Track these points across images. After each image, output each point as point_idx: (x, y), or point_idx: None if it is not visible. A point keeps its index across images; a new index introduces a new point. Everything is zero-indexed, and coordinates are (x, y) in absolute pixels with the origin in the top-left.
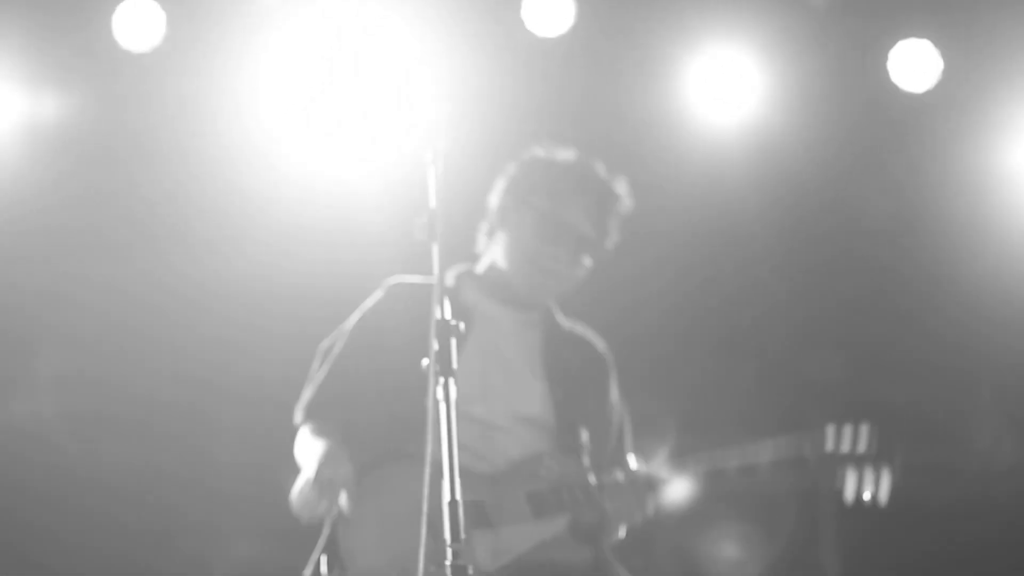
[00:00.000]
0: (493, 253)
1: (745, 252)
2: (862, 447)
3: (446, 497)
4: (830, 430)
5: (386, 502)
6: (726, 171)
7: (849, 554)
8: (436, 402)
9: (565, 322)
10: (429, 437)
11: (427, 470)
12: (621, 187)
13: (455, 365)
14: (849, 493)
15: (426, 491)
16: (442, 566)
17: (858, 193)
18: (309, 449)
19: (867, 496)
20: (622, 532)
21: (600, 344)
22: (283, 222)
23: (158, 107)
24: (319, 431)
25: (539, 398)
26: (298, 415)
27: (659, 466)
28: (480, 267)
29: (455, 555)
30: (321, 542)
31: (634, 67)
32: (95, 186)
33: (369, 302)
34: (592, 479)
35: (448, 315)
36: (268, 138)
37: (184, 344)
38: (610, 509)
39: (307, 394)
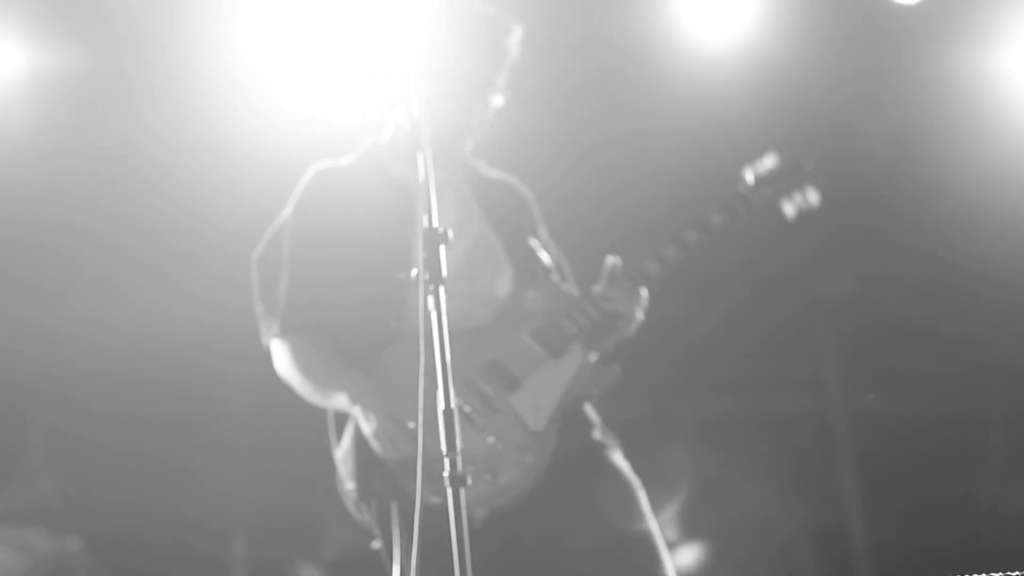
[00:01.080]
0: (395, 118)
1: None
2: (780, 167)
3: (441, 406)
4: (747, 170)
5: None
6: (720, 91)
7: (866, 470)
8: (428, 312)
9: (487, 171)
10: (423, 349)
11: (421, 381)
12: (505, 19)
13: (444, 272)
14: (789, 210)
15: (421, 403)
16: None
17: (854, 109)
18: (335, 377)
19: (805, 205)
20: (631, 330)
21: (522, 187)
22: (272, 164)
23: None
24: (312, 344)
25: (492, 244)
26: (273, 328)
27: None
28: (385, 136)
29: (452, 465)
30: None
31: None
32: (88, 131)
33: (301, 194)
34: (580, 296)
35: (434, 222)
36: (259, 83)
37: (174, 284)
38: (610, 312)
39: (277, 307)
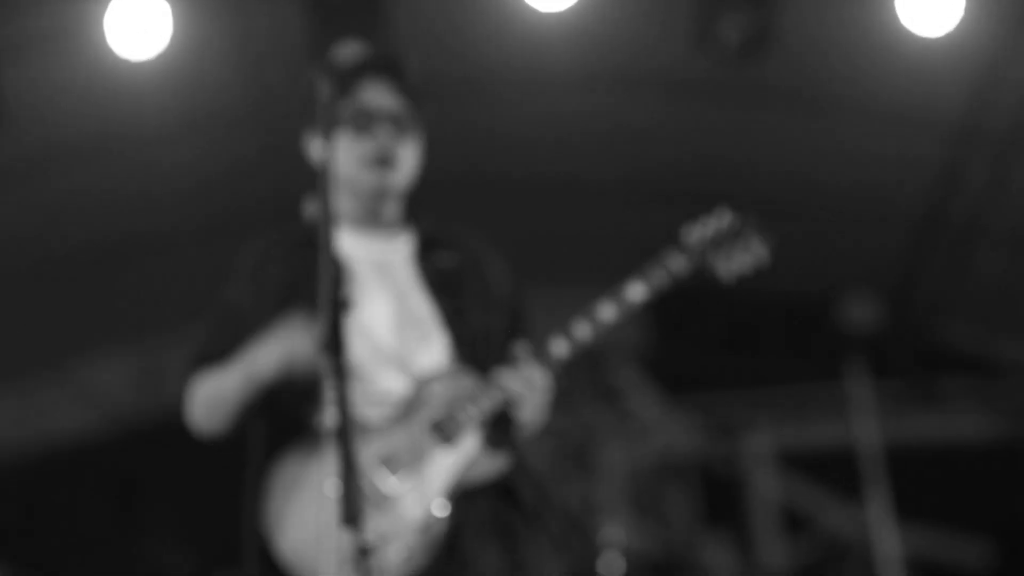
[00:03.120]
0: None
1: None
2: (725, 224)
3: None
4: (686, 227)
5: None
6: None
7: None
8: (330, 379)
9: (431, 230)
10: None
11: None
12: (402, 57)
13: (346, 344)
14: (726, 274)
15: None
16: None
17: None
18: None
19: (749, 263)
20: (529, 418)
21: (472, 239)
22: None
23: None
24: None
25: (426, 322)
26: (191, 368)
27: (549, 344)
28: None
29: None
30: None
31: None
32: None
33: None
34: (481, 384)
35: (336, 291)
36: None
37: None
38: (507, 398)
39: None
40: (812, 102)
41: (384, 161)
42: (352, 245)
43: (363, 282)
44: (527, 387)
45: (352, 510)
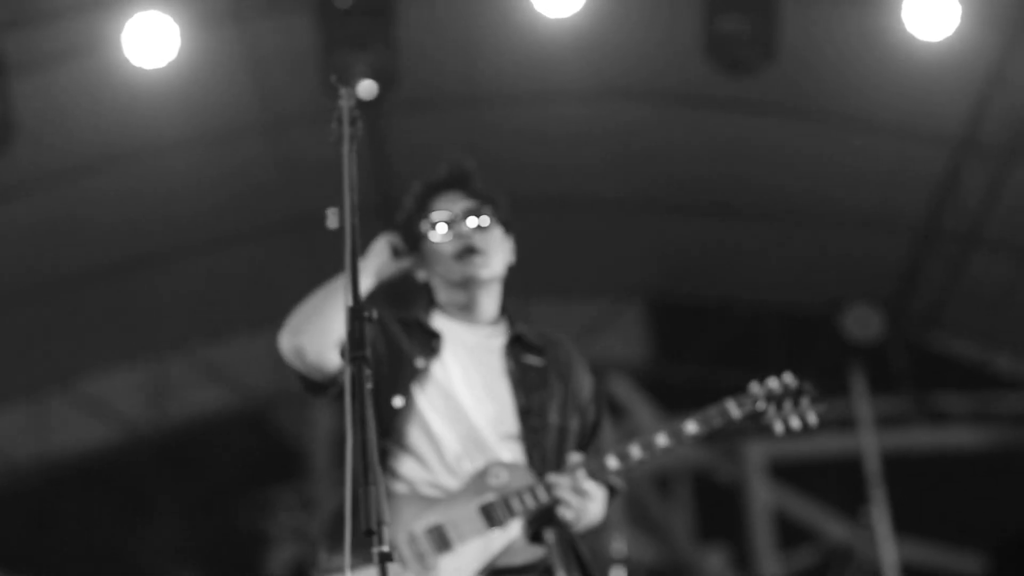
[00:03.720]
0: (434, 286)
1: None
2: (784, 385)
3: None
4: (753, 383)
5: None
6: None
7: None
8: (353, 390)
9: (525, 329)
10: (349, 422)
11: (348, 458)
12: (464, 160)
13: (367, 351)
14: (779, 428)
15: (348, 480)
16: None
17: None
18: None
19: (801, 425)
20: (574, 520)
21: (562, 344)
22: None
23: None
24: None
25: (505, 410)
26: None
27: (604, 459)
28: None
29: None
30: None
31: None
32: None
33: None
34: (537, 481)
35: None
36: None
37: None
38: (555, 499)
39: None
40: (815, 113)
41: (471, 250)
42: (446, 326)
43: (454, 359)
44: (574, 494)
45: (372, 519)
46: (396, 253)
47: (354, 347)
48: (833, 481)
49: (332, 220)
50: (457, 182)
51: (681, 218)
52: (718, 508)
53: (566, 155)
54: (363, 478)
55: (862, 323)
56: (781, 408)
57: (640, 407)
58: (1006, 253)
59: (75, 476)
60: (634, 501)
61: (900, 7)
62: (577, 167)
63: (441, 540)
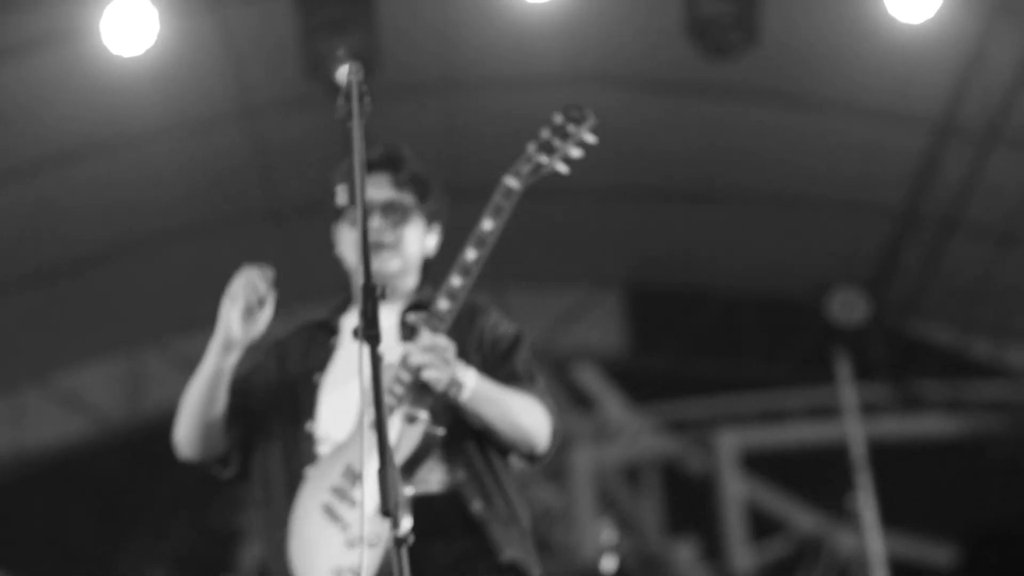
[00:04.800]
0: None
1: None
2: (547, 131)
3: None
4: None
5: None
6: None
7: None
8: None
9: (428, 296)
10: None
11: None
12: (397, 147)
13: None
14: (561, 168)
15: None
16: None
17: None
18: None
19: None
20: (446, 383)
21: (476, 299)
22: None
23: None
24: None
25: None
26: None
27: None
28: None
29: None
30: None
31: None
32: None
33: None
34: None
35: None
36: None
37: None
38: (415, 369)
39: None
40: (795, 97)
41: (380, 247)
42: (349, 321)
43: (347, 350)
44: (427, 352)
45: (390, 501)
46: (257, 301)
47: (368, 325)
48: (807, 471)
49: (341, 196)
50: (386, 165)
51: (659, 205)
52: (689, 499)
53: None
54: (381, 459)
55: (848, 308)
56: (555, 150)
57: (608, 398)
58: (984, 238)
59: (49, 471)
60: (603, 493)
61: None
62: None
63: (352, 475)
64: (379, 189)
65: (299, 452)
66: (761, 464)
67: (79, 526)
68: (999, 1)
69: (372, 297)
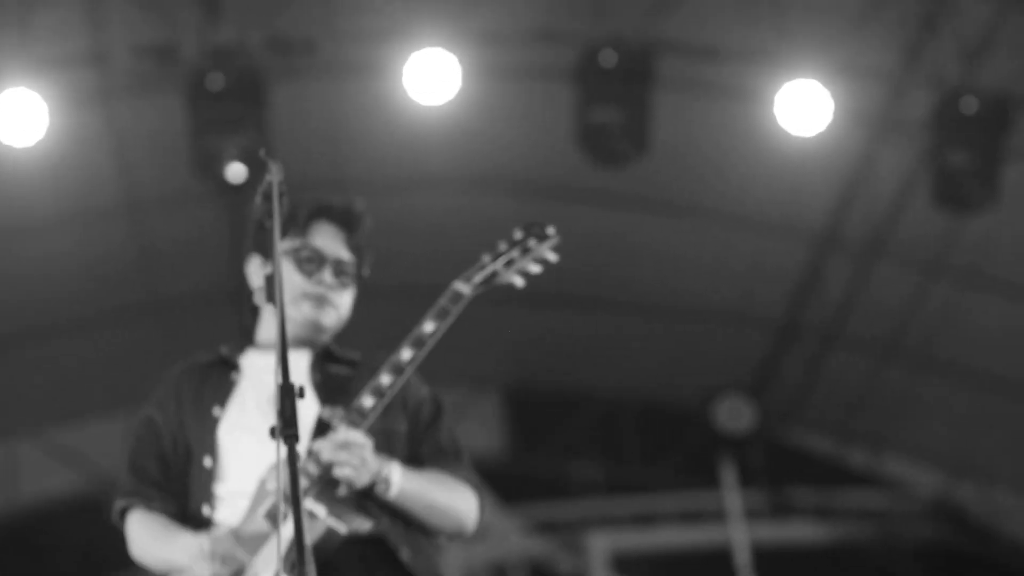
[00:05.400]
0: (261, 314)
1: None
2: (506, 244)
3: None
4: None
5: None
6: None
7: None
8: (280, 466)
9: (336, 347)
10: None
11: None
12: (360, 205)
13: (299, 429)
14: (517, 281)
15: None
16: None
17: None
18: (169, 537)
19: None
20: (362, 480)
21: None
22: None
23: None
24: (146, 512)
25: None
26: (117, 500)
27: (360, 401)
28: (259, 338)
29: None
30: None
31: None
32: None
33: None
34: (306, 458)
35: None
36: None
37: None
38: (326, 465)
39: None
40: (683, 207)
41: (325, 301)
42: (254, 360)
43: (251, 387)
44: (340, 449)
45: None
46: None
47: (286, 425)
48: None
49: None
50: (345, 222)
51: (541, 310)
52: None
53: (426, 245)
54: (300, 564)
55: (734, 415)
56: (512, 262)
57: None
58: (865, 350)
59: None
60: None
61: (773, 102)
62: (437, 257)
63: (235, 565)
64: (334, 244)
65: (197, 487)
66: (633, 568)
67: None
68: (886, 118)
69: (291, 396)
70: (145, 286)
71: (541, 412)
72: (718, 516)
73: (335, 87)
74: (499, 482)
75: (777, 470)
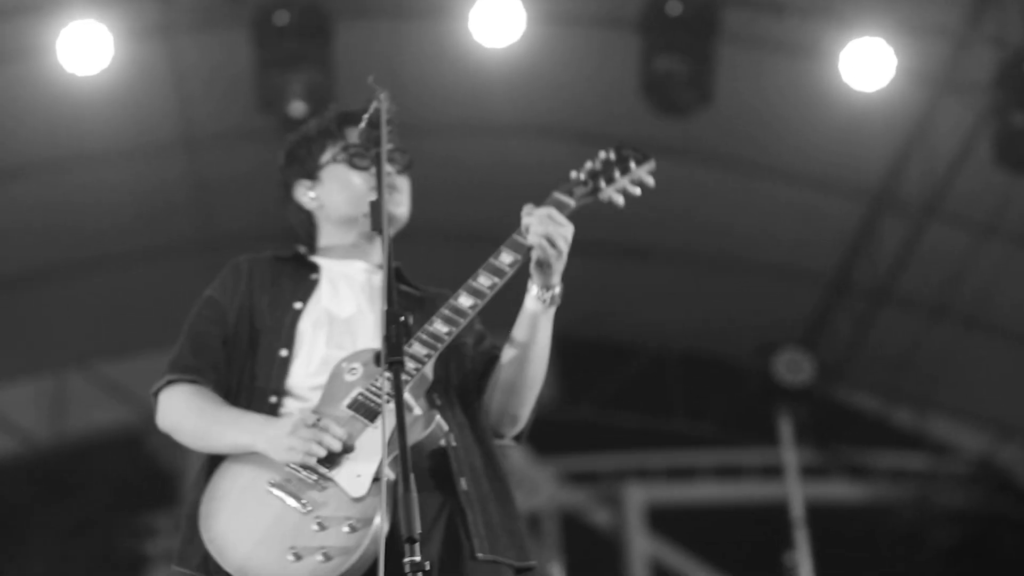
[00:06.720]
0: (320, 223)
1: None
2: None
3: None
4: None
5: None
6: None
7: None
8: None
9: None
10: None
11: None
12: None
13: (405, 356)
14: (618, 199)
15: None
16: None
17: None
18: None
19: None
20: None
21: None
22: None
23: None
24: (201, 388)
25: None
26: (163, 379)
27: None
28: (322, 245)
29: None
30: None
31: None
32: None
33: (218, 276)
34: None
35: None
36: None
37: None
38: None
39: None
40: (740, 160)
41: (392, 188)
42: (326, 263)
43: (331, 286)
44: (554, 222)
45: (413, 528)
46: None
47: (391, 351)
48: (714, 530)
49: (354, 136)
50: (374, 120)
51: (592, 258)
52: (592, 553)
53: (482, 187)
54: (403, 484)
55: (793, 368)
56: (613, 180)
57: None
58: (914, 309)
59: None
60: None
61: (837, 57)
62: (491, 200)
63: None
64: (376, 139)
65: (265, 376)
66: (669, 522)
67: None
68: (948, 77)
69: (396, 323)
70: (199, 222)
71: (590, 361)
72: (759, 471)
73: (400, 27)
74: (543, 429)
75: (821, 427)
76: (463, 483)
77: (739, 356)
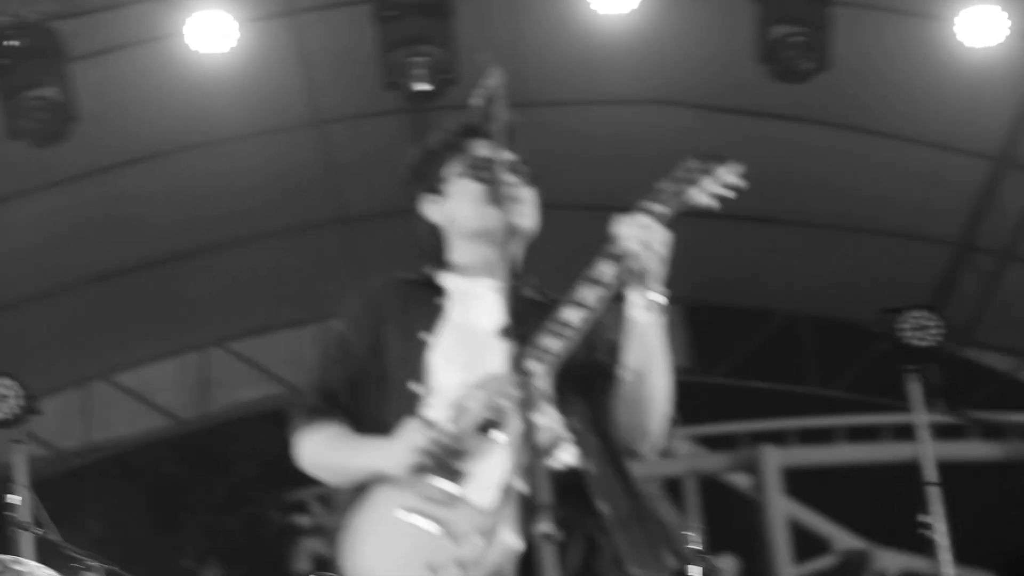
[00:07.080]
0: (449, 239)
1: None
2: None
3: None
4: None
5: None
6: None
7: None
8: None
9: (530, 291)
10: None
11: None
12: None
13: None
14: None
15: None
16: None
17: None
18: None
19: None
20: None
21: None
22: None
23: None
24: (338, 428)
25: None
26: (301, 417)
27: None
28: (451, 258)
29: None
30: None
31: None
32: None
33: (349, 302)
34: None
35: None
36: None
37: None
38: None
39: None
40: (861, 123)
41: (514, 200)
42: (456, 284)
43: (461, 312)
44: (645, 233)
45: (542, 495)
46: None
47: (515, 368)
48: (850, 492)
49: (480, 150)
50: (496, 132)
51: (722, 225)
52: (730, 517)
53: (609, 160)
54: (534, 452)
55: (920, 330)
56: (699, 185)
57: None
58: None
59: (113, 465)
60: None
61: (952, 21)
62: (620, 171)
63: (452, 473)
64: (495, 150)
65: (395, 411)
66: (806, 485)
67: (138, 521)
68: None
69: (516, 296)
70: (330, 202)
71: (720, 328)
72: (894, 433)
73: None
74: (677, 397)
75: (952, 388)
76: (603, 506)
77: (868, 320)
